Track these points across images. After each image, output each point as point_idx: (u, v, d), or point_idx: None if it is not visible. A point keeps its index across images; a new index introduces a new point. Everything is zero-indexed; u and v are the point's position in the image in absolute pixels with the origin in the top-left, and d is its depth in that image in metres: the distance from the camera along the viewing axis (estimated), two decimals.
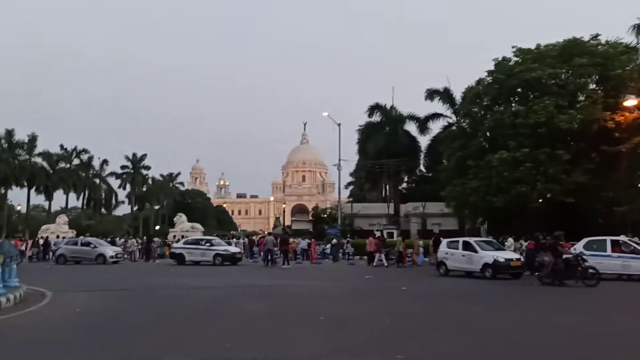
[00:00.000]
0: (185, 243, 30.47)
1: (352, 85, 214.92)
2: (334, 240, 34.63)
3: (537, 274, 17.41)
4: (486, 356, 7.06)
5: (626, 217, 25.48)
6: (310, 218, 56.36)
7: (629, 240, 19.46)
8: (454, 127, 38.34)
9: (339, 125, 44.60)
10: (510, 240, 23.68)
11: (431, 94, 44.63)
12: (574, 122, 27.07)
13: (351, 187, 72.32)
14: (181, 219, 46.90)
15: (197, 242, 30.06)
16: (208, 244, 29.23)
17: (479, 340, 8.03)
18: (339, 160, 45.55)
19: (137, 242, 37.11)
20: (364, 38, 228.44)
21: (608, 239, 19.32)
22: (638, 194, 26.75)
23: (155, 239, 38.14)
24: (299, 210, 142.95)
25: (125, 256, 33.18)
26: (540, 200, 28.64)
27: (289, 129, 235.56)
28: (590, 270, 16.43)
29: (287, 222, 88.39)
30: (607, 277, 18.68)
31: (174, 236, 42.79)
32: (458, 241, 21.65)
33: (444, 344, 7.74)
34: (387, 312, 11.18)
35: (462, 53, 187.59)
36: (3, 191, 56.91)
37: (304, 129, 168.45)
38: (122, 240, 38.72)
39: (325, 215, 51.56)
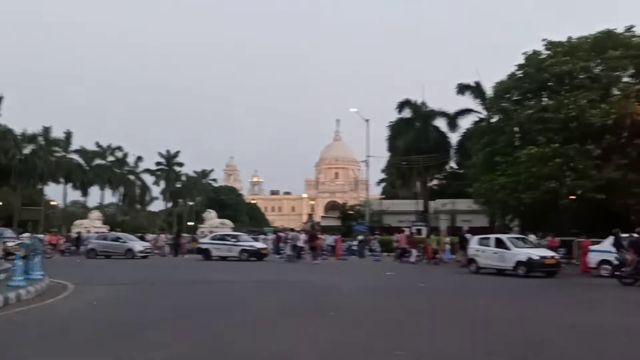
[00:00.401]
0: (212, 239, 31.02)
1: (383, 81, 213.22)
2: (360, 237, 34.69)
3: (617, 273, 16.65)
4: (490, 354, 6.91)
5: None
6: (339, 215, 56.29)
7: (619, 237, 18.50)
8: (483, 123, 37.68)
9: (367, 121, 44.67)
10: (532, 236, 23.20)
11: (462, 89, 43.88)
12: (608, 117, 26.25)
13: (383, 184, 71.99)
14: (210, 215, 47.57)
15: (223, 237, 30.53)
16: (234, 240, 29.65)
17: (486, 338, 7.87)
18: (367, 156, 45.70)
19: (166, 237, 37.80)
20: (396, 32, 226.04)
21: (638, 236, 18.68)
22: None
23: (185, 235, 38.80)
24: (332, 207, 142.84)
25: (155, 251, 33.93)
26: (574, 197, 27.91)
27: (322, 126, 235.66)
28: None
29: (318, 219, 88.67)
30: None
31: (202, 232, 43.45)
32: (489, 238, 21.33)
33: (451, 342, 7.58)
34: (403, 308, 11.25)
35: (492, 48, 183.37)
36: (40, 187, 58.74)
37: (337, 126, 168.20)
38: (154, 235, 39.56)
39: (354, 212, 51.45)
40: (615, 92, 28.69)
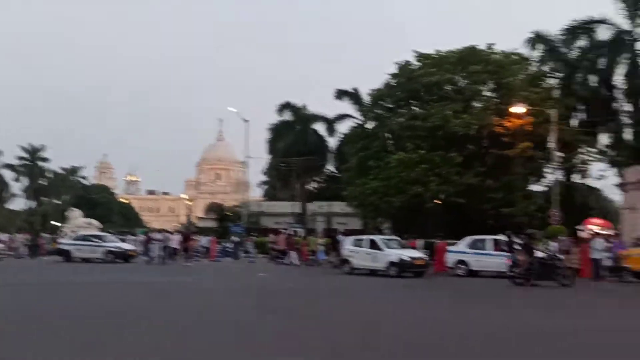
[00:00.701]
0: (74, 239, 29.15)
1: (269, 85, 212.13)
2: (235, 238, 34.26)
3: (509, 274, 16.76)
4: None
5: (513, 218, 26.71)
6: (216, 216, 55.35)
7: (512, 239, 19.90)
8: (359, 128, 38.86)
9: (247, 121, 44.55)
10: (398, 239, 24.20)
11: (340, 95, 44.91)
12: (469, 127, 28.11)
13: (265, 187, 71.78)
14: (74, 214, 44.36)
15: (86, 238, 28.69)
16: (98, 240, 27.97)
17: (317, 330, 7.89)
18: (246, 157, 45.55)
19: (25, 238, 34.85)
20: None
21: (489, 237, 20.17)
22: (524, 196, 28.32)
23: (45, 235, 36.02)
24: (212, 208, 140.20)
25: (10, 252, 31.24)
26: (440, 201, 29.53)
27: (204, 126, 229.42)
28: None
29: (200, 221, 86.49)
30: (488, 275, 19.57)
31: (64, 232, 40.48)
32: (363, 239, 21.81)
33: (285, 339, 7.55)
34: (260, 310, 11.03)
35: (372, 57, 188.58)
36: None
37: (219, 125, 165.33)
38: (9, 235, 36.30)
39: (231, 214, 50.81)
40: (477, 104, 30.82)
